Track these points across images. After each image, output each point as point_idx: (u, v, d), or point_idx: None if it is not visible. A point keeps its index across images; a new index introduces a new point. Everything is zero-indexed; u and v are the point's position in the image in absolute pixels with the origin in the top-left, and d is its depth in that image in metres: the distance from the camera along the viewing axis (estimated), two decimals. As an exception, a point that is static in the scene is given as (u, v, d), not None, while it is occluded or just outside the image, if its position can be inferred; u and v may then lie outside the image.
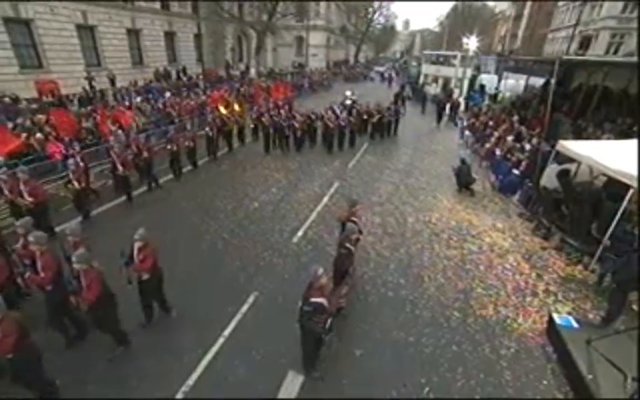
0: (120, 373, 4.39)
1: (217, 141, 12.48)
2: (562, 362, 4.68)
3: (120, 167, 8.46)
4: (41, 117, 12.06)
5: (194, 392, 4.18)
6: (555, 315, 5.09)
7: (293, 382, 4.33)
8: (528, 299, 5.94)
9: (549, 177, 8.30)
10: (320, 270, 3.89)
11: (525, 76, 18.96)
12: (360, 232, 5.86)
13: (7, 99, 13.65)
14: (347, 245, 4.90)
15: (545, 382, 4.49)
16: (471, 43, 26.99)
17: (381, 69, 48.20)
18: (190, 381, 4.29)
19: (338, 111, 14.75)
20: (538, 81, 17.19)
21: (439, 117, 19.40)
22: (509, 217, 8.84)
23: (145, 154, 9.34)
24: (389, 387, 4.32)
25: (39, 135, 10.24)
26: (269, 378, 4.36)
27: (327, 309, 3.94)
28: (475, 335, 5.14)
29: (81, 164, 8.19)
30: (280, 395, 4.17)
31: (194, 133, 12.16)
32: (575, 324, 4.93)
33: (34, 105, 13.96)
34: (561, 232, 7.53)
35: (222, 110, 14.79)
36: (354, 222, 5.59)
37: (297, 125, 13.42)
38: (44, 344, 3.96)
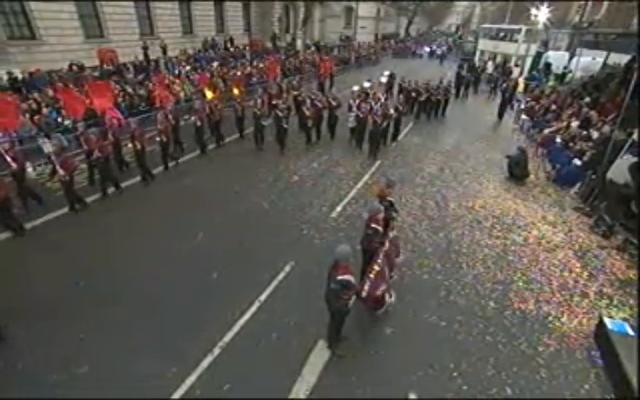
0: (157, 328, 4.75)
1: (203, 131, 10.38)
2: (609, 369, 4.37)
3: (60, 171, 6.96)
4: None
5: (229, 348, 4.51)
6: (606, 319, 4.70)
7: (323, 351, 4.50)
8: (576, 298, 5.53)
9: (619, 170, 7.43)
10: (348, 249, 3.93)
11: (604, 53, 16.63)
12: (396, 211, 5.79)
13: (75, 67, 14.99)
14: (373, 225, 4.86)
15: (587, 386, 4.24)
16: (541, 14, 23.93)
17: (428, 49, 39.99)
18: (227, 338, 4.62)
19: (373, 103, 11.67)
20: (621, 59, 15.00)
21: (502, 108, 15.55)
22: (563, 211, 8.14)
23: (97, 153, 7.57)
24: (416, 367, 4.35)
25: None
26: (300, 344, 4.56)
27: (353, 286, 4.00)
28: (512, 329, 4.94)
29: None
30: (309, 362, 4.36)
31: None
32: (630, 331, 4.53)
33: (96, 73, 15.20)
34: (626, 232, 6.81)
35: (208, 94, 12.36)
36: (390, 202, 5.51)
37: (307, 113, 10.88)
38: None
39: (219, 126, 10.99)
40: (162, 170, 9.30)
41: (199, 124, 10.03)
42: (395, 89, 17.27)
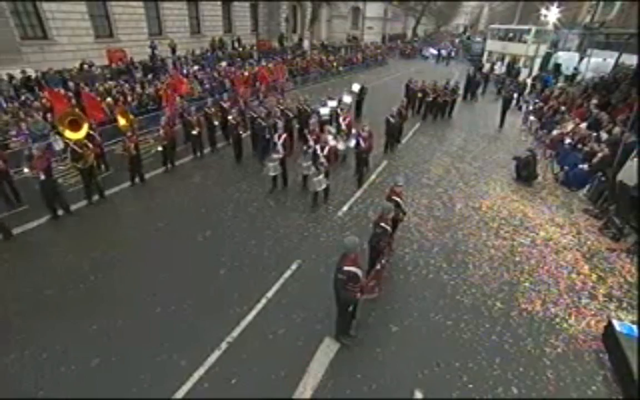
0: (166, 323, 4.86)
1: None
2: (618, 372, 4.34)
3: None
4: (111, 83, 13.41)
5: (237, 343, 4.56)
6: (615, 321, 4.68)
7: (329, 348, 4.53)
8: (584, 300, 5.50)
9: (629, 172, 7.38)
10: (355, 239, 3.99)
11: (616, 54, 16.40)
12: (404, 212, 5.81)
13: (86, 66, 15.24)
14: (382, 224, 4.89)
15: (594, 387, 4.22)
16: (551, 15, 23.63)
17: (434, 51, 38.20)
18: (234, 333, 4.68)
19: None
20: (633, 60, 14.77)
21: (503, 114, 14.50)
22: (571, 213, 8.07)
23: (41, 175, 6.56)
24: (421, 364, 4.37)
25: (109, 99, 11.39)
26: (306, 341, 4.61)
27: (360, 278, 4.04)
28: (518, 329, 4.93)
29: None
30: (315, 358, 4.40)
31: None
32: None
33: (107, 73, 15.44)
34: (637, 234, 6.73)
35: (69, 134, 7.47)
36: (397, 202, 5.53)
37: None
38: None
39: (92, 173, 7.67)
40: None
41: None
42: (365, 110, 14.50)
